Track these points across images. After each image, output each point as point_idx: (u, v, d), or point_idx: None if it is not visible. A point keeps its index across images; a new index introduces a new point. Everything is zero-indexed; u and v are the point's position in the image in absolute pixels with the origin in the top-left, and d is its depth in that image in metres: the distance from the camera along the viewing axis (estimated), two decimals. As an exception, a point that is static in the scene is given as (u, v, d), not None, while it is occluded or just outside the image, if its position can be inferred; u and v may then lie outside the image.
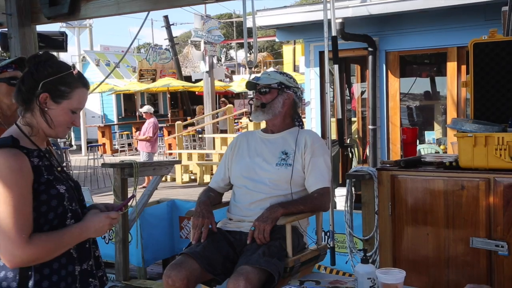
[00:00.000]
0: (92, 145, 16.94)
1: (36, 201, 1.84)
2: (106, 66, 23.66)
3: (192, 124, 16.99)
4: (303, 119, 3.92)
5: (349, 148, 7.69)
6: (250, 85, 3.14)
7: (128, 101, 24.94)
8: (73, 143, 23.51)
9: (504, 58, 3.15)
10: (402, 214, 3.27)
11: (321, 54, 7.76)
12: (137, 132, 13.02)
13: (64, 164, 13.85)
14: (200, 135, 16.81)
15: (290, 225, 2.88)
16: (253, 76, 3.71)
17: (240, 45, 34.37)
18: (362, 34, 7.26)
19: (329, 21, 4.15)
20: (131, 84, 22.50)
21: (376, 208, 3.47)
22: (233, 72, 31.44)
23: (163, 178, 11.11)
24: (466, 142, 3.04)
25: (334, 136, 7.44)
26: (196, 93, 23.05)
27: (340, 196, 6.35)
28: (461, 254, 3.07)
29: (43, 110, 1.90)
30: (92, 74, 22.77)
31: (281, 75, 3.17)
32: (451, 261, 3.11)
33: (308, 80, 8.27)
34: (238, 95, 26.48)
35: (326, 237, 4.38)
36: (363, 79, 8.37)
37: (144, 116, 12.36)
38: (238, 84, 22.45)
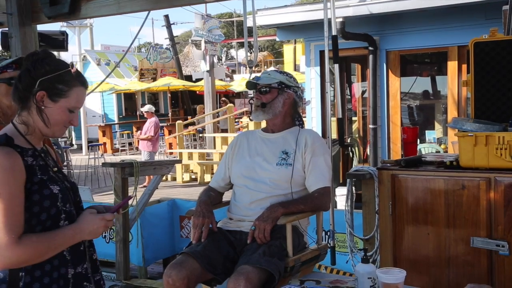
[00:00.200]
0: (92, 144, 16.96)
1: (29, 201, 1.80)
2: (106, 66, 23.66)
3: (193, 124, 16.99)
4: (304, 119, 3.92)
5: (349, 148, 7.69)
6: (250, 84, 3.14)
7: (128, 100, 24.95)
8: (73, 142, 23.54)
9: (504, 57, 3.15)
10: (402, 214, 3.27)
11: (322, 53, 7.75)
12: (138, 132, 13.02)
13: (65, 163, 13.85)
14: (200, 135, 16.81)
15: (291, 224, 2.88)
16: (253, 75, 3.71)
17: (241, 45, 34.35)
18: (362, 33, 7.25)
19: (330, 20, 4.16)
20: (132, 83, 22.50)
21: (377, 207, 3.47)
22: (233, 72, 31.44)
23: (164, 178, 11.11)
24: (467, 141, 3.04)
25: (334, 135, 7.45)
26: (197, 92, 23.06)
27: (341, 195, 6.35)
28: (462, 254, 3.06)
29: (39, 108, 1.87)
30: (93, 74, 22.78)
31: (281, 75, 3.17)
32: (451, 261, 3.10)
33: (309, 80, 8.27)
34: (239, 95, 26.48)
35: (326, 236, 4.38)
36: (363, 79, 8.37)
37: (145, 116, 12.37)
38: (239, 83, 22.44)
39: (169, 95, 23.29)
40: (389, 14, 7.10)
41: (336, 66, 4.38)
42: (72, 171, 14.08)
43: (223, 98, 20.63)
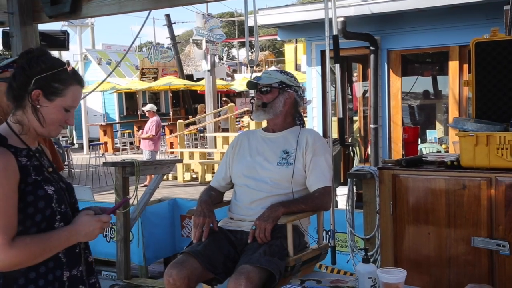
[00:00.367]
0: (94, 143, 16.95)
1: (23, 202, 1.75)
2: (107, 65, 23.66)
3: (194, 123, 17.00)
4: (305, 118, 3.92)
5: (350, 147, 7.69)
6: (251, 84, 3.14)
7: (130, 99, 24.95)
8: (74, 141, 23.55)
9: (506, 57, 3.14)
10: (403, 214, 3.27)
11: (323, 53, 7.76)
12: (140, 131, 13.04)
13: (66, 162, 13.86)
14: (201, 134, 16.82)
15: (291, 224, 2.88)
16: (254, 75, 3.71)
17: (242, 44, 34.36)
18: (363, 33, 7.25)
19: (331, 20, 4.16)
20: (133, 82, 22.51)
21: (378, 207, 3.47)
22: (234, 71, 31.44)
23: (165, 177, 11.13)
24: (468, 141, 3.04)
25: (335, 135, 7.44)
26: (198, 91, 23.07)
27: (342, 195, 6.35)
28: (463, 254, 3.06)
29: (35, 107, 1.82)
30: (94, 73, 22.81)
31: (282, 74, 3.17)
32: (452, 261, 3.10)
33: (310, 79, 8.27)
34: (240, 94, 26.48)
35: (327, 236, 4.38)
36: (365, 78, 8.37)
37: (147, 115, 12.38)
38: (240, 82, 22.44)
39: (170, 94, 23.32)
40: (390, 14, 7.10)
41: (337, 65, 4.38)
42: (73, 170, 14.10)
43: (224, 98, 20.63)
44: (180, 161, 9.78)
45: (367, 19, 7.27)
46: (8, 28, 4.78)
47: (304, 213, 2.99)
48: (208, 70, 15.39)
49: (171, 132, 17.45)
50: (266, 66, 28.85)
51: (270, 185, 3.02)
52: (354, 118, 8.81)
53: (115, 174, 4.81)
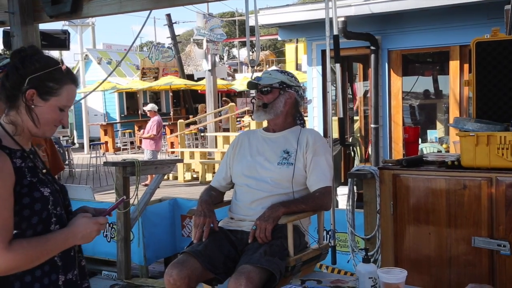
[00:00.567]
0: (94, 143, 16.98)
1: (18, 204, 1.71)
2: (108, 65, 23.67)
3: (194, 123, 17.00)
4: (305, 118, 3.92)
5: (351, 147, 7.68)
6: (251, 84, 3.14)
7: (130, 99, 24.96)
8: (75, 141, 23.56)
9: (506, 57, 3.14)
10: (404, 213, 3.27)
11: (323, 52, 7.76)
12: (141, 131, 13.04)
13: (67, 162, 13.86)
14: (202, 134, 16.82)
15: (292, 224, 2.88)
16: (254, 75, 3.71)
17: (243, 44, 34.35)
18: (364, 33, 7.25)
19: (331, 20, 4.16)
20: (134, 82, 22.52)
21: (378, 207, 3.47)
22: (235, 71, 31.43)
23: (165, 177, 11.13)
24: (468, 141, 3.04)
25: (336, 134, 7.44)
26: (199, 91, 23.07)
27: (342, 195, 6.35)
28: (463, 254, 3.06)
29: (29, 107, 1.77)
30: (95, 73, 22.81)
31: (282, 74, 3.17)
32: (453, 261, 3.10)
33: (310, 79, 8.27)
34: (241, 94, 26.48)
35: (327, 236, 4.38)
36: (365, 78, 8.36)
37: (148, 114, 12.39)
38: (241, 82, 22.43)
39: (170, 94, 23.30)
40: (391, 14, 7.10)
41: (338, 65, 4.38)
42: (73, 170, 14.11)
43: (224, 98, 20.63)
44: (181, 160, 9.79)
45: (367, 19, 7.27)
46: (9, 27, 4.78)
47: (304, 213, 2.99)
48: (209, 70, 15.39)
49: (171, 131, 17.46)
50: (267, 66, 28.84)
51: (270, 185, 3.02)
52: (355, 118, 8.81)
53: (116, 173, 4.82)
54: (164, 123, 14.84)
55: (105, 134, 20.42)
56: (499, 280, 2.97)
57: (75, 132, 24.02)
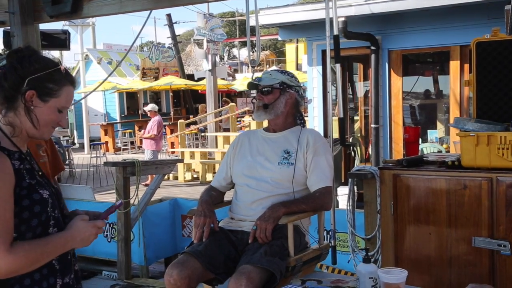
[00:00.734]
0: (95, 143, 16.98)
1: (18, 206, 1.68)
2: (108, 65, 23.67)
3: (195, 123, 17.00)
4: (306, 118, 3.92)
5: (351, 147, 7.69)
6: (252, 85, 3.14)
7: (131, 99, 24.97)
8: (75, 141, 23.57)
9: (506, 57, 3.14)
10: (404, 213, 3.27)
11: (324, 52, 7.76)
12: (142, 131, 13.03)
13: (67, 162, 13.86)
14: (202, 134, 16.82)
15: (292, 224, 2.88)
16: (255, 75, 3.71)
17: (243, 44, 34.36)
18: (364, 33, 7.25)
19: (331, 20, 4.15)
20: (134, 82, 22.52)
21: (378, 207, 3.47)
22: (235, 71, 31.44)
23: (166, 177, 11.13)
24: (469, 141, 3.04)
25: (336, 134, 7.44)
26: (199, 91, 23.06)
27: (342, 195, 6.35)
28: (463, 254, 3.06)
29: (28, 108, 1.75)
30: (95, 73, 22.81)
31: (283, 75, 3.17)
32: (453, 261, 3.10)
33: (311, 79, 8.27)
34: (241, 94, 26.48)
35: (328, 236, 4.38)
36: (365, 78, 8.37)
37: (148, 115, 12.39)
38: (241, 82, 22.44)
39: (171, 94, 23.29)
40: (391, 14, 7.10)
41: (338, 65, 4.38)
42: (74, 170, 14.11)
43: (225, 98, 20.62)
44: (181, 161, 9.79)
45: (368, 19, 7.27)
46: (9, 27, 4.78)
47: (305, 213, 2.99)
48: (209, 70, 15.39)
49: (172, 131, 17.46)
50: (267, 66, 28.84)
51: (271, 184, 3.02)
52: (355, 118, 8.81)
53: (116, 174, 4.82)
54: (164, 123, 14.85)
55: (106, 134, 20.43)
56: (500, 280, 2.96)
57: (75, 132, 24.03)
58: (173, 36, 25.07)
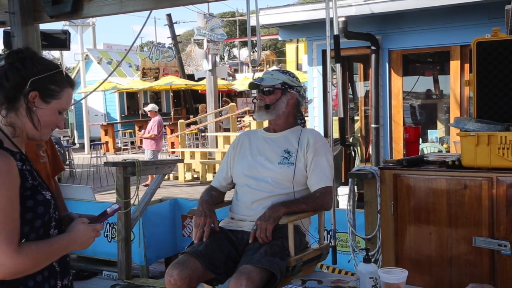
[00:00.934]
0: (95, 143, 16.98)
1: (22, 207, 1.67)
2: (108, 65, 23.67)
3: (195, 123, 16.99)
4: (306, 118, 3.92)
5: (351, 147, 7.68)
6: (253, 85, 3.14)
7: (131, 99, 24.96)
8: (76, 141, 23.57)
9: (507, 57, 3.14)
10: (404, 213, 3.27)
11: (324, 52, 7.76)
12: (142, 131, 13.04)
13: (67, 162, 13.87)
14: (202, 134, 16.82)
15: (292, 224, 2.88)
16: (256, 75, 3.71)
17: (243, 44, 34.38)
18: (365, 33, 7.25)
19: (332, 20, 4.15)
20: (134, 82, 22.52)
21: (379, 207, 3.47)
22: (236, 71, 31.44)
23: (166, 177, 11.13)
24: (469, 141, 3.04)
25: (336, 134, 7.44)
26: (199, 91, 23.05)
27: (343, 195, 6.35)
28: (464, 254, 3.06)
29: (30, 109, 1.75)
30: (95, 73, 22.81)
31: (284, 75, 3.16)
32: (453, 261, 3.10)
33: (311, 79, 8.27)
34: (241, 94, 26.48)
35: (328, 236, 4.38)
36: (366, 78, 8.37)
37: (148, 115, 12.39)
38: (241, 82, 22.44)
39: (171, 94, 23.29)
40: (391, 14, 7.10)
41: (338, 65, 4.38)
42: (74, 170, 14.11)
43: (225, 98, 20.62)
44: (181, 161, 9.80)
45: (368, 18, 7.27)
46: (9, 28, 4.78)
47: (305, 213, 2.99)
48: (209, 70, 15.38)
49: (172, 131, 17.46)
50: (267, 66, 28.84)
51: (271, 184, 3.02)
52: (355, 117, 8.81)
53: (116, 174, 4.82)
54: (164, 123, 14.86)
55: (106, 134, 20.43)
56: (500, 280, 2.96)
57: (75, 132, 24.03)
58: (173, 36, 25.07)
